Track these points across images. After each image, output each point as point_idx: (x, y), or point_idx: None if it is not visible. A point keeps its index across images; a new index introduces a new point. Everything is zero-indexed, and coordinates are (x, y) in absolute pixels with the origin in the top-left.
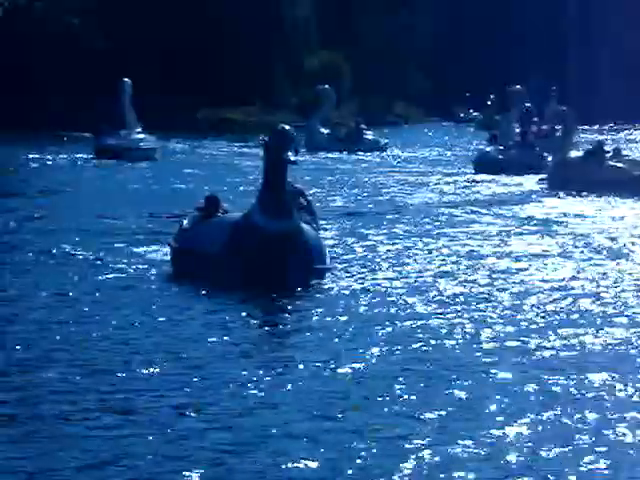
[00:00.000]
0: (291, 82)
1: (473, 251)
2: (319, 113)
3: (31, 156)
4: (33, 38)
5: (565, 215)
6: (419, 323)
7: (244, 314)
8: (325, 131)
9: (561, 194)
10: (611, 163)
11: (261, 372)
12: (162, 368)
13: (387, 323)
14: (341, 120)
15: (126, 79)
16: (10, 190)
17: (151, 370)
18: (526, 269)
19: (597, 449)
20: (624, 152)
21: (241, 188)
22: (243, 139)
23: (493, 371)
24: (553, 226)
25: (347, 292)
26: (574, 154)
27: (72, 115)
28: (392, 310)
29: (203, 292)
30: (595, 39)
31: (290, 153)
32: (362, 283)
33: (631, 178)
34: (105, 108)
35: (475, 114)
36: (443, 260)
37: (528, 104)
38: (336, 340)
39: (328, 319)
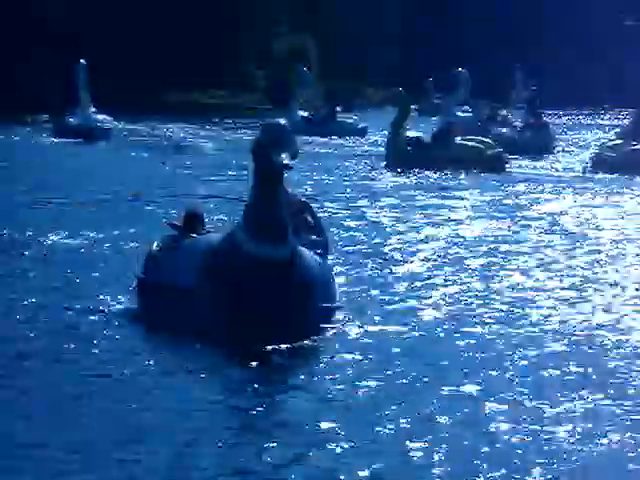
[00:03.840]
0: (259, 65)
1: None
2: (297, 96)
3: None
4: None
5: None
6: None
7: (221, 377)
8: (303, 114)
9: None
10: (460, 142)
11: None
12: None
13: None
14: (308, 104)
15: (82, 60)
16: None
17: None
18: None
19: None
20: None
21: (199, 171)
22: (208, 121)
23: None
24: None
25: (362, 343)
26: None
27: (33, 96)
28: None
29: (171, 342)
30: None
31: (284, 155)
32: (380, 326)
33: (483, 157)
34: (64, 90)
35: (437, 101)
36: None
37: (534, 86)
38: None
39: (332, 387)
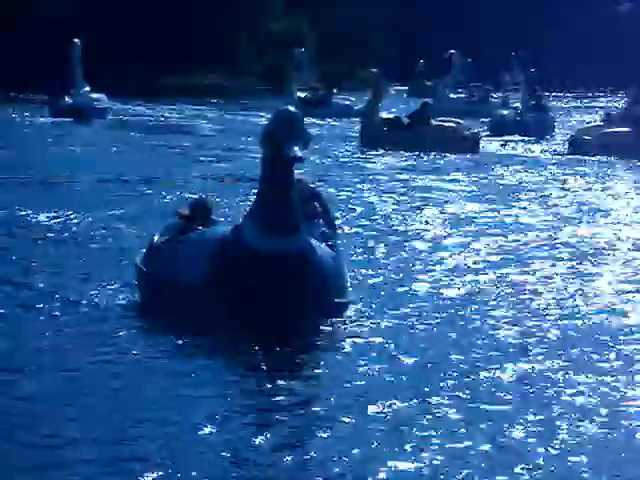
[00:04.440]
0: (255, 48)
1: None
2: (294, 78)
3: None
4: None
5: None
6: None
7: (232, 377)
8: (300, 95)
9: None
10: (436, 123)
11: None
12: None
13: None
14: (305, 85)
15: (76, 40)
16: None
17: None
18: None
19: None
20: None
21: (194, 153)
22: (206, 102)
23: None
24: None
25: (377, 339)
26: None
27: (30, 77)
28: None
29: (177, 340)
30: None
31: (297, 147)
32: (394, 322)
33: (457, 138)
34: (59, 71)
35: (429, 83)
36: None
37: (533, 69)
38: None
39: (347, 385)
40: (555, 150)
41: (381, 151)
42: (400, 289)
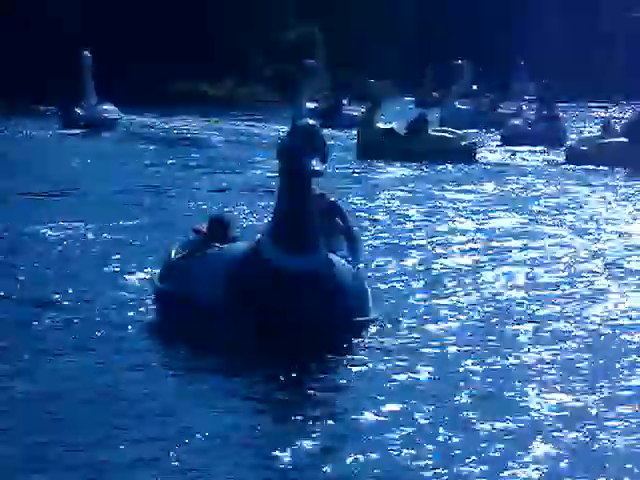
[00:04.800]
0: (266, 55)
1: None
2: (305, 88)
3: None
4: None
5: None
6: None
7: (250, 396)
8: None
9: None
10: (433, 133)
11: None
12: None
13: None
14: (315, 94)
15: (86, 52)
16: None
17: None
18: None
19: None
20: None
21: (206, 165)
22: (216, 113)
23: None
24: None
25: (402, 359)
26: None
27: (38, 88)
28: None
29: (197, 362)
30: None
31: (315, 161)
32: (420, 341)
33: (454, 148)
34: (68, 81)
35: (435, 94)
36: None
37: (546, 79)
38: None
39: (373, 409)
40: (554, 160)
41: (379, 161)
42: (422, 305)
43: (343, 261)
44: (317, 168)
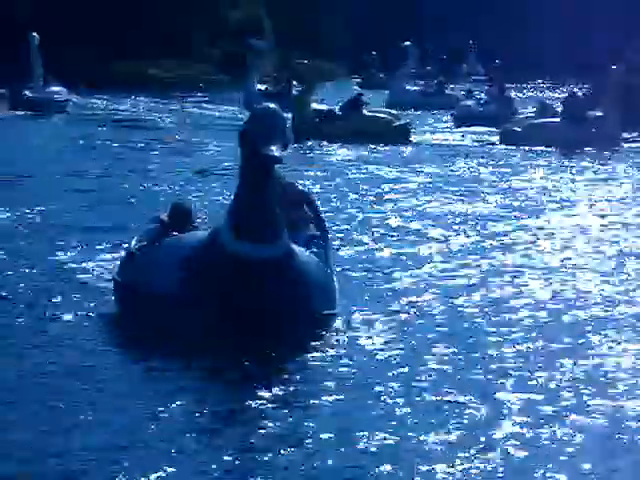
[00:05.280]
0: (212, 36)
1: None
2: (254, 69)
3: None
4: None
5: None
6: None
7: (197, 395)
8: (261, 87)
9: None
10: (368, 114)
11: None
12: None
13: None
14: (265, 76)
15: (34, 33)
16: None
17: None
18: None
19: None
20: None
21: (156, 148)
22: (164, 94)
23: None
24: None
25: (367, 355)
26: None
27: None
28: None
29: (153, 353)
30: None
31: (274, 147)
32: (386, 335)
33: (390, 129)
34: (17, 64)
35: (381, 75)
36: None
37: (498, 60)
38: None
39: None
40: (487, 141)
41: (313, 142)
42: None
43: (308, 252)
44: (276, 154)
